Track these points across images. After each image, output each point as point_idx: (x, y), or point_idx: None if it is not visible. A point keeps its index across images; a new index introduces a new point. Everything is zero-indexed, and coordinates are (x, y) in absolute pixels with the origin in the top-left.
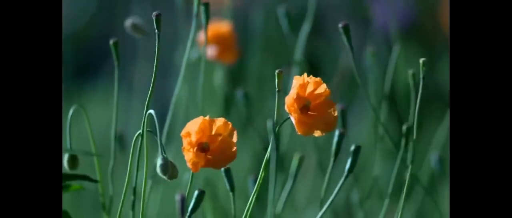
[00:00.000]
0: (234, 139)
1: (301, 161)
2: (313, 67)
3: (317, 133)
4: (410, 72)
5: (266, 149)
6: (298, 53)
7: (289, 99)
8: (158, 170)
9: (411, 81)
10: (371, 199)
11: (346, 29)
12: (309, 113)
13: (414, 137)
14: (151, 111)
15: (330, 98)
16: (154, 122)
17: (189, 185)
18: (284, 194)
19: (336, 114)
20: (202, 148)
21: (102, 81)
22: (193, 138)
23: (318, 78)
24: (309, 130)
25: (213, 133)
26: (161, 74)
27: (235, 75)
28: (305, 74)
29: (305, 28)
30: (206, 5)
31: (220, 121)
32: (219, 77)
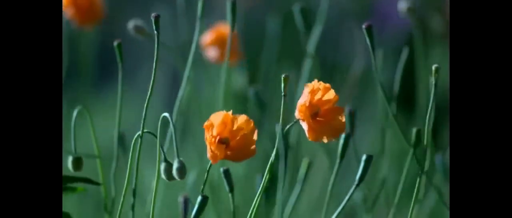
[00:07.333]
0: (255, 137)
1: (309, 166)
2: (322, 69)
3: (325, 139)
4: (431, 79)
5: (272, 150)
6: (311, 49)
7: (301, 106)
8: (174, 172)
9: (432, 85)
10: (379, 204)
11: (369, 30)
12: (317, 118)
13: (428, 141)
14: (166, 114)
15: (338, 104)
16: (170, 124)
17: (203, 188)
18: (287, 197)
19: (344, 120)
20: (222, 141)
21: (116, 83)
22: (215, 131)
23: (327, 84)
24: (318, 136)
25: (235, 128)
26: (172, 77)
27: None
28: (315, 80)
29: (318, 27)
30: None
31: (242, 118)
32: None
